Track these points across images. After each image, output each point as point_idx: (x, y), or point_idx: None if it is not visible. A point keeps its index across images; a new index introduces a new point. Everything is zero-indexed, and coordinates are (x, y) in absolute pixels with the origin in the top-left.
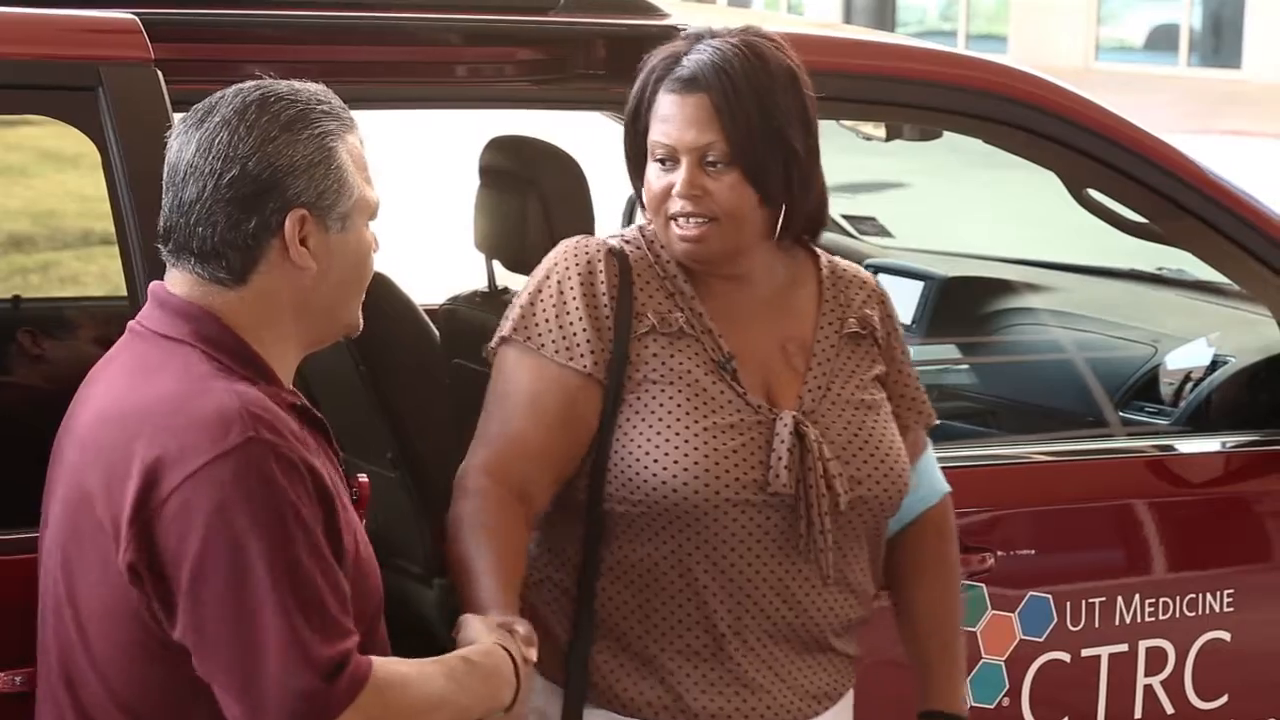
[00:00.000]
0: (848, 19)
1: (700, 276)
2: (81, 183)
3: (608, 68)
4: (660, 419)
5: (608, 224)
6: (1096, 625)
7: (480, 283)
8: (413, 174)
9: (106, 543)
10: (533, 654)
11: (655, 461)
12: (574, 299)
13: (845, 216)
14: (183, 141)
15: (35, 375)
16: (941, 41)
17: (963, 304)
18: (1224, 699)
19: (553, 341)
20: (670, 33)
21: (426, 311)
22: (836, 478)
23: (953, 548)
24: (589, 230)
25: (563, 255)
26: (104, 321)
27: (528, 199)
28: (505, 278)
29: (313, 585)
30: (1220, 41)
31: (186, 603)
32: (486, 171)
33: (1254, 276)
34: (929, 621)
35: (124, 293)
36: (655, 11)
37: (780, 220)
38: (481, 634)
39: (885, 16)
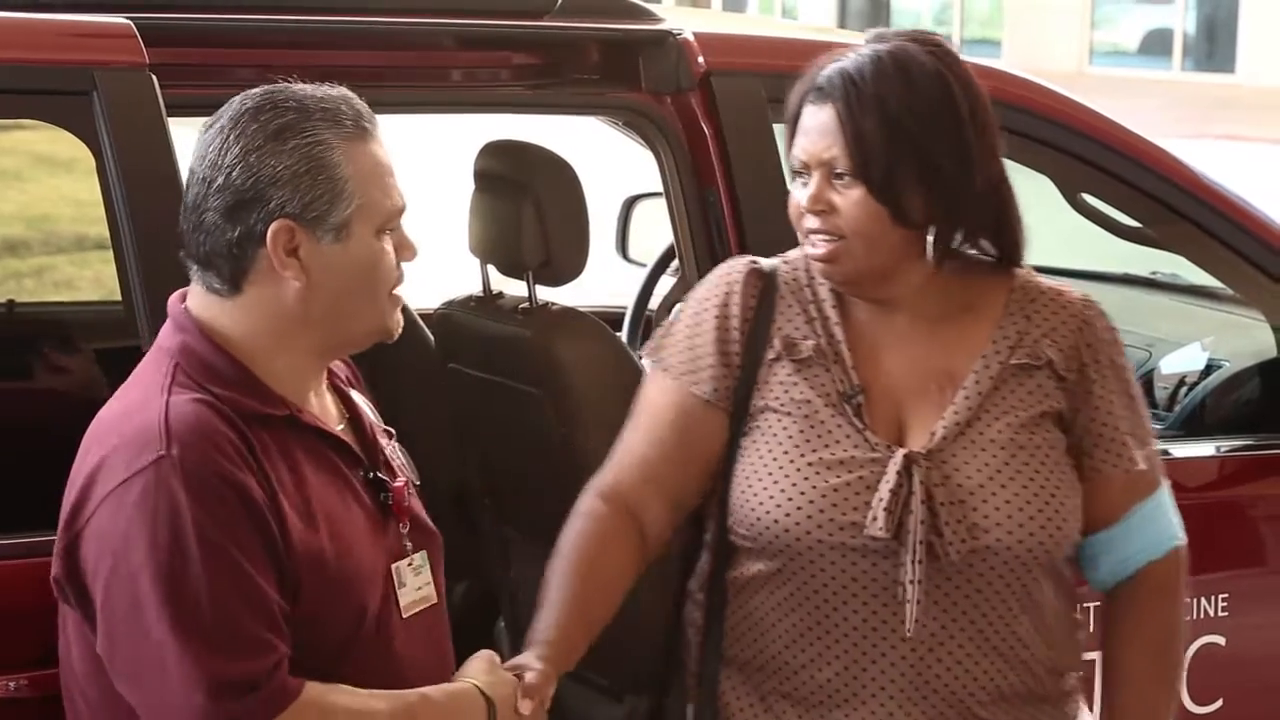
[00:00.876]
0: (842, 23)
1: (850, 300)
2: (76, 187)
3: (602, 72)
4: (770, 450)
5: (603, 229)
6: (1090, 630)
7: (475, 287)
8: (408, 178)
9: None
10: (526, 705)
11: (759, 495)
12: (707, 322)
13: None
14: (195, 144)
15: (29, 380)
16: None
17: None
18: (1219, 703)
19: (679, 364)
20: (664, 37)
21: (421, 316)
22: (948, 524)
23: (1172, 609)
24: (582, 235)
25: (712, 275)
26: (98, 327)
27: (523, 204)
28: (500, 282)
29: (219, 604)
30: (1214, 46)
31: (101, 622)
32: (481, 176)
33: (1248, 281)
34: (1128, 691)
35: (118, 298)
36: (649, 16)
37: (931, 243)
38: (476, 672)
39: (879, 21)
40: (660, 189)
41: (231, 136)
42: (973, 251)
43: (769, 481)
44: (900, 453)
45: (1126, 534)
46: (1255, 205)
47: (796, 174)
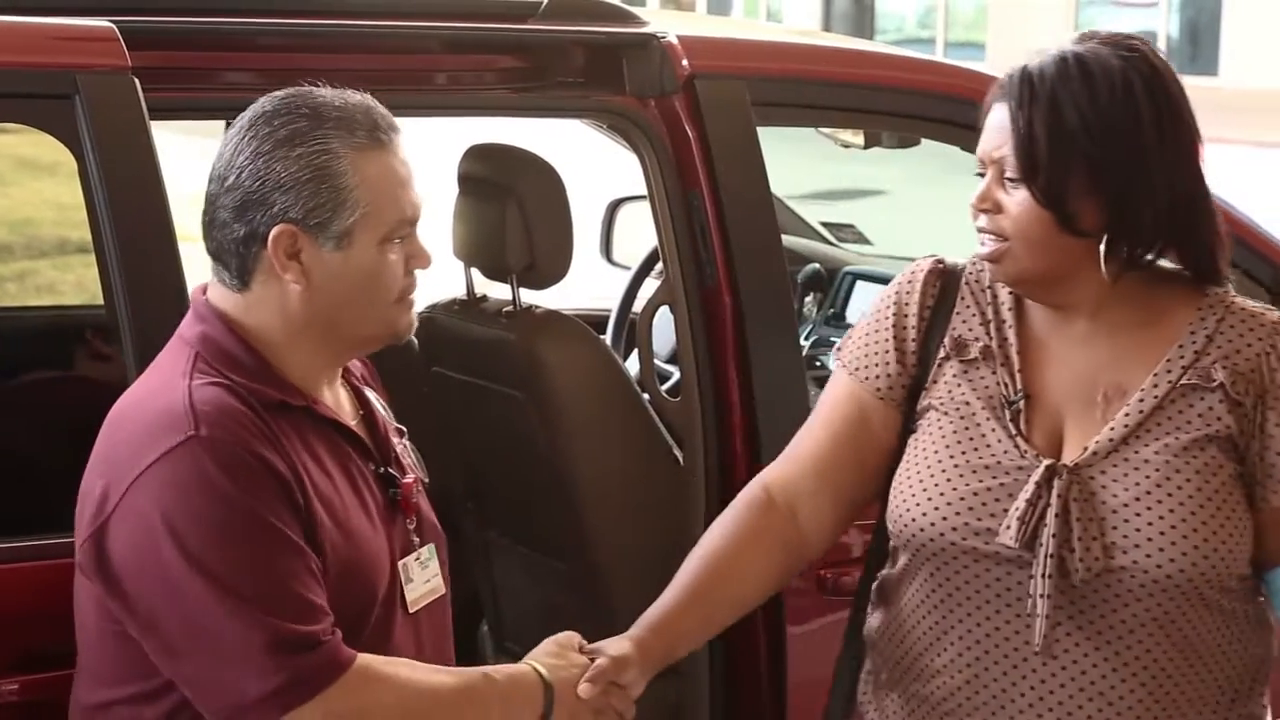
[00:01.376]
0: (827, 26)
1: (1030, 304)
2: (58, 191)
3: (586, 75)
4: (925, 450)
5: (588, 232)
6: None
7: (459, 290)
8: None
9: (79, 532)
10: (586, 690)
11: (906, 493)
12: (885, 319)
13: (824, 224)
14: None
15: (12, 384)
16: (920, 49)
17: None
18: None
19: (855, 359)
20: (648, 40)
21: None
22: (1081, 540)
23: None
24: (565, 238)
25: (900, 275)
26: (81, 331)
27: (506, 207)
28: (484, 285)
29: (267, 569)
30: (1197, 49)
31: (138, 603)
32: (465, 179)
33: (1233, 285)
34: None
35: (100, 302)
36: (633, 19)
37: (1104, 252)
38: (540, 654)
39: (864, 24)
40: (644, 192)
41: (246, 137)
42: (1168, 265)
43: (917, 481)
44: (1045, 463)
45: None
46: (1240, 209)
47: (978, 174)
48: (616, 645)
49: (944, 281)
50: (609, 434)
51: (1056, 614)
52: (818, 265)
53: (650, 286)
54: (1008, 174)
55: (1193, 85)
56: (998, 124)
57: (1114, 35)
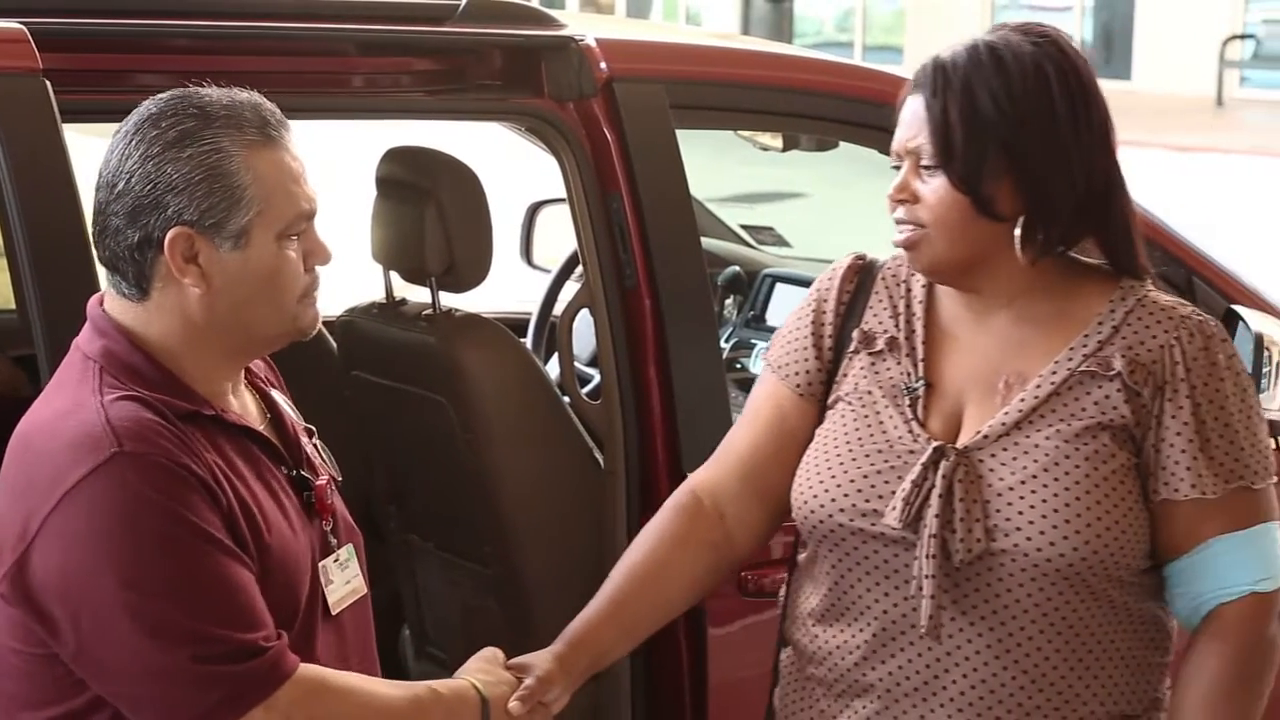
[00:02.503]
0: (745, 30)
1: (944, 292)
2: None
3: (505, 78)
4: (826, 438)
5: (507, 235)
6: None
7: (378, 294)
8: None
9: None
10: (516, 707)
11: (805, 481)
12: (806, 317)
13: (744, 226)
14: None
15: None
16: (838, 52)
17: None
18: None
19: (778, 358)
20: (566, 43)
21: (324, 323)
22: (963, 521)
23: (1236, 659)
24: (485, 241)
25: (821, 275)
26: None
27: (425, 210)
28: (403, 289)
29: (206, 581)
30: (1111, 53)
31: (70, 626)
32: (384, 182)
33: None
34: None
35: (12, 306)
36: (551, 22)
37: (1018, 237)
38: (475, 669)
39: (782, 28)
40: (564, 195)
41: (134, 142)
42: (1091, 260)
43: (814, 467)
44: (933, 445)
45: (1197, 569)
46: (1153, 213)
47: (894, 168)
48: (541, 664)
49: (861, 277)
50: (530, 437)
51: (941, 596)
52: (737, 268)
53: (570, 289)
54: (924, 162)
55: (1107, 89)
56: (912, 115)
57: (1025, 24)
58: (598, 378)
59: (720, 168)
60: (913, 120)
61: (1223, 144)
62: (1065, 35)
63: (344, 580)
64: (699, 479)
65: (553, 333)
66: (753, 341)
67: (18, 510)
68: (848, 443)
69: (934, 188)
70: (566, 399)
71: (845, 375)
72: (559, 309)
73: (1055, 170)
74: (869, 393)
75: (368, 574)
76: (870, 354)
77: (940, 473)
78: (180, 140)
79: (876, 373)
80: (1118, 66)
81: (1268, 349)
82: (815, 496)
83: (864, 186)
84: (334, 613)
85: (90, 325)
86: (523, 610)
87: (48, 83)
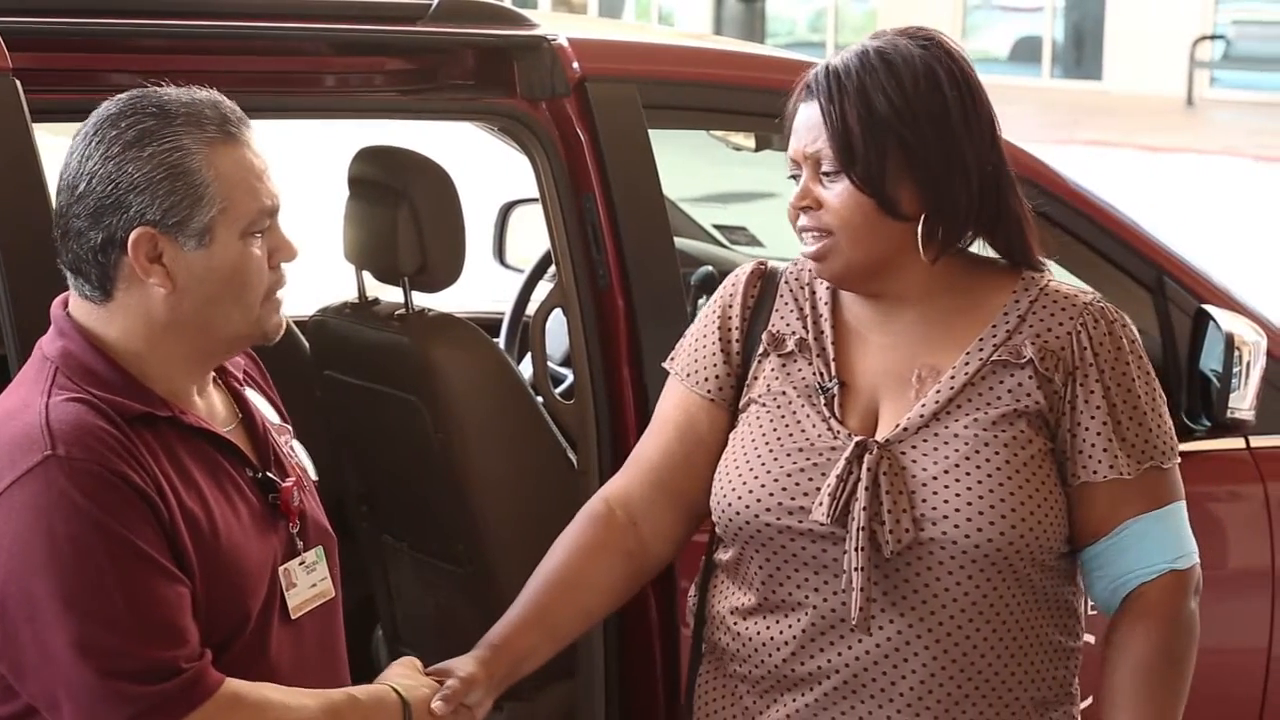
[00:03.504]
0: (718, 30)
1: (848, 295)
2: None
3: (477, 78)
4: (742, 440)
5: (480, 235)
6: None
7: (350, 294)
8: (282, 184)
9: None
10: (440, 708)
11: (724, 483)
12: (711, 324)
13: (716, 226)
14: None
15: None
16: (810, 53)
17: None
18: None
19: (684, 365)
20: (538, 42)
21: (296, 323)
22: (890, 513)
23: (1161, 637)
24: (457, 240)
25: (725, 280)
26: None
27: (398, 209)
28: (375, 289)
29: (129, 595)
30: (1082, 54)
31: None
32: (356, 182)
33: (1116, 286)
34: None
35: None
36: (524, 21)
37: (920, 234)
38: (396, 675)
39: (755, 28)
40: (537, 195)
41: (94, 143)
42: (988, 255)
43: (734, 469)
44: (855, 440)
45: (1116, 550)
46: (1123, 211)
47: (792, 176)
48: (463, 666)
49: (764, 282)
50: (503, 437)
51: (871, 588)
52: (710, 268)
53: (543, 289)
54: (824, 168)
55: (1078, 90)
56: (807, 121)
57: (908, 28)
58: (571, 378)
59: (693, 168)
60: (809, 126)
61: (1193, 144)
62: (948, 37)
63: (309, 584)
64: (610, 489)
65: (525, 333)
66: None
67: None
68: (766, 443)
69: (837, 192)
70: (539, 399)
71: (756, 378)
72: (532, 309)
73: (952, 166)
74: (783, 393)
75: (339, 576)
76: (780, 355)
77: (865, 466)
78: (140, 140)
79: (788, 374)
80: (1089, 67)
81: (1238, 349)
82: (740, 498)
83: None
84: (294, 617)
85: (53, 327)
86: (496, 609)
87: (18, 82)
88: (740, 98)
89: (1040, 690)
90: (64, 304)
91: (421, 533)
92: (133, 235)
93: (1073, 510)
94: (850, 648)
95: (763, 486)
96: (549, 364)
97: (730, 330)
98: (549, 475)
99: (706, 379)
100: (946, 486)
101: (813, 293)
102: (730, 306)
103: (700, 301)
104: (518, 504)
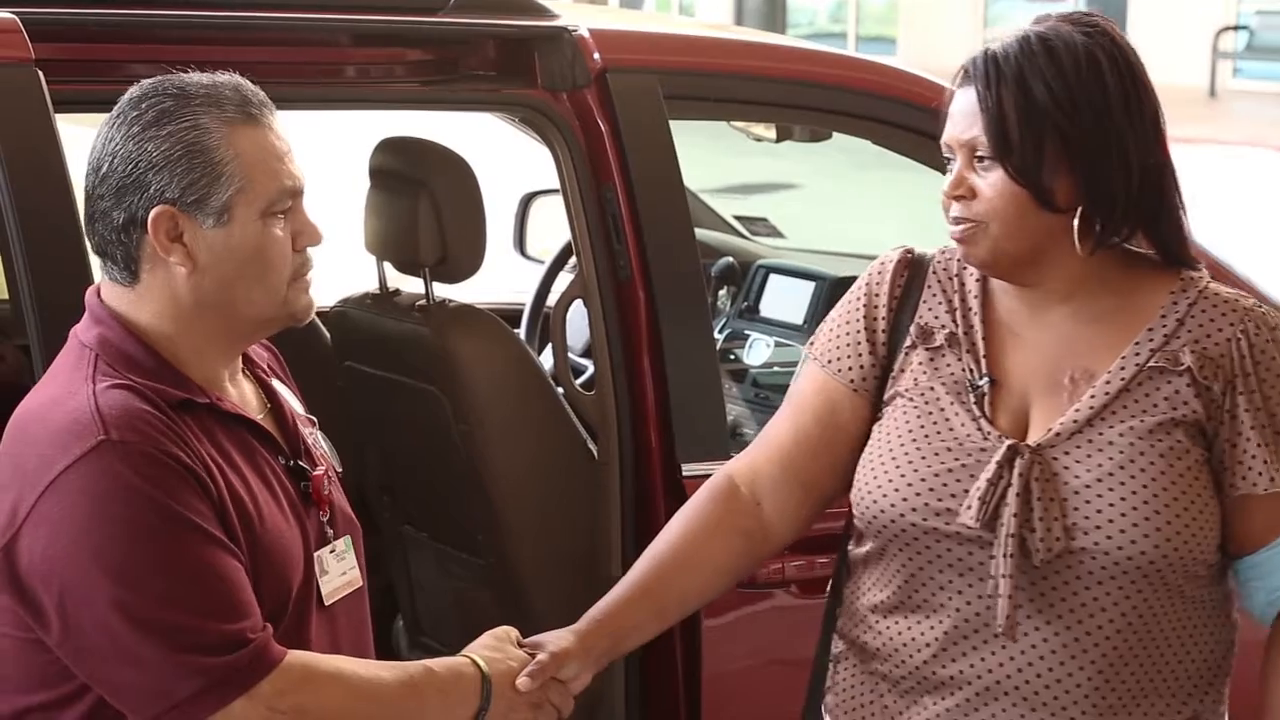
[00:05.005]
0: (739, 21)
1: (999, 287)
2: None
3: (498, 68)
4: (888, 434)
5: (501, 225)
6: None
7: (371, 285)
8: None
9: None
10: (524, 683)
11: (869, 479)
12: (856, 311)
13: (737, 217)
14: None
15: None
16: (831, 43)
17: None
18: None
19: (826, 351)
20: (559, 33)
21: (317, 313)
22: (1042, 520)
23: None
24: (478, 231)
25: (871, 266)
26: None
27: (419, 200)
28: (396, 279)
29: (193, 571)
30: None
31: (56, 612)
32: (377, 173)
33: None
34: None
35: (5, 296)
36: (545, 12)
37: (1076, 228)
38: (479, 646)
39: (775, 18)
40: (557, 186)
41: (116, 125)
42: (1141, 250)
43: (879, 465)
44: (1007, 443)
45: (1277, 560)
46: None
47: (946, 160)
48: (557, 639)
49: (912, 271)
50: (523, 428)
51: (1018, 595)
52: (731, 259)
53: (564, 280)
54: (979, 155)
55: None
56: (964, 107)
57: (1073, 13)
58: (591, 368)
59: (714, 158)
60: (966, 113)
61: (1216, 135)
62: (1116, 26)
63: (339, 571)
64: (736, 466)
65: (546, 324)
66: (746, 332)
67: (7, 496)
68: (914, 440)
69: (991, 181)
70: (560, 390)
71: (902, 371)
72: (552, 300)
73: (1112, 159)
74: (930, 389)
75: (365, 565)
76: (928, 349)
77: (1016, 471)
78: (160, 119)
79: (936, 369)
80: None
81: None
82: (885, 495)
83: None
84: (327, 603)
85: (88, 314)
86: (516, 600)
87: (40, 73)
88: (761, 88)
89: (1189, 704)
90: (97, 292)
91: (442, 523)
92: (152, 213)
93: (1229, 521)
94: (994, 653)
95: (909, 485)
96: (569, 355)
97: (876, 319)
98: (569, 466)
99: (850, 367)
100: (1100, 496)
101: (962, 284)
102: (876, 295)
103: (721, 293)
104: (538, 495)
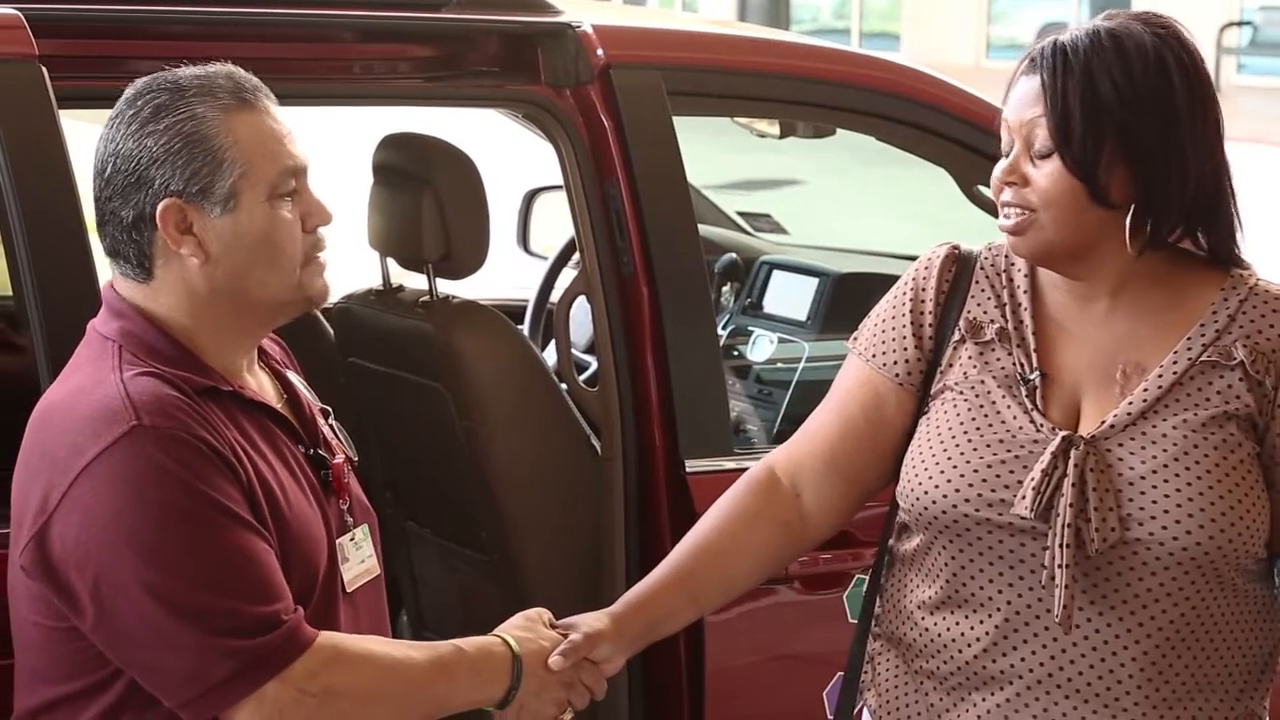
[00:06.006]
0: (742, 17)
1: (1047, 282)
2: None
3: (501, 64)
4: (938, 428)
5: (504, 221)
6: None
7: (375, 281)
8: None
9: (18, 534)
10: (557, 662)
11: (919, 471)
12: (903, 306)
13: (740, 213)
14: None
15: None
16: (835, 40)
17: (857, 300)
18: None
19: (871, 345)
20: (563, 29)
21: (320, 310)
22: (1097, 511)
23: None
24: (482, 228)
25: (917, 261)
26: None
27: (422, 196)
28: (400, 275)
29: (226, 555)
30: None
31: (90, 597)
32: (380, 169)
33: None
34: None
35: (9, 292)
36: (548, 8)
37: (1128, 225)
38: (511, 626)
39: (779, 15)
40: (561, 182)
41: (115, 126)
42: (1192, 248)
43: (930, 457)
44: (1061, 434)
45: None
46: None
47: (1001, 148)
48: (592, 621)
49: (959, 266)
50: (527, 424)
51: (1073, 585)
52: (734, 255)
53: (567, 276)
54: (1037, 145)
55: None
56: (1025, 95)
57: (1144, 13)
58: (595, 365)
59: (717, 154)
60: (1027, 99)
61: None
62: (1185, 28)
63: (359, 560)
64: (780, 456)
65: (550, 320)
66: (749, 328)
67: (37, 484)
68: (965, 432)
69: (1047, 172)
70: (564, 386)
71: (951, 365)
72: (556, 296)
73: (1170, 160)
74: (981, 382)
75: (381, 555)
76: (978, 344)
77: (1072, 461)
78: (156, 114)
79: (986, 363)
80: None
81: None
82: (937, 487)
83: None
84: (349, 590)
85: (105, 308)
86: (520, 596)
87: (44, 69)
88: (764, 84)
89: (1240, 699)
90: (112, 286)
91: (445, 519)
92: (160, 208)
93: (1277, 515)
94: (1045, 646)
95: (961, 476)
96: (573, 351)
97: (923, 314)
98: (573, 462)
99: (896, 361)
100: (1155, 487)
101: (1010, 280)
102: (924, 290)
103: (724, 289)
104: (541, 491)
